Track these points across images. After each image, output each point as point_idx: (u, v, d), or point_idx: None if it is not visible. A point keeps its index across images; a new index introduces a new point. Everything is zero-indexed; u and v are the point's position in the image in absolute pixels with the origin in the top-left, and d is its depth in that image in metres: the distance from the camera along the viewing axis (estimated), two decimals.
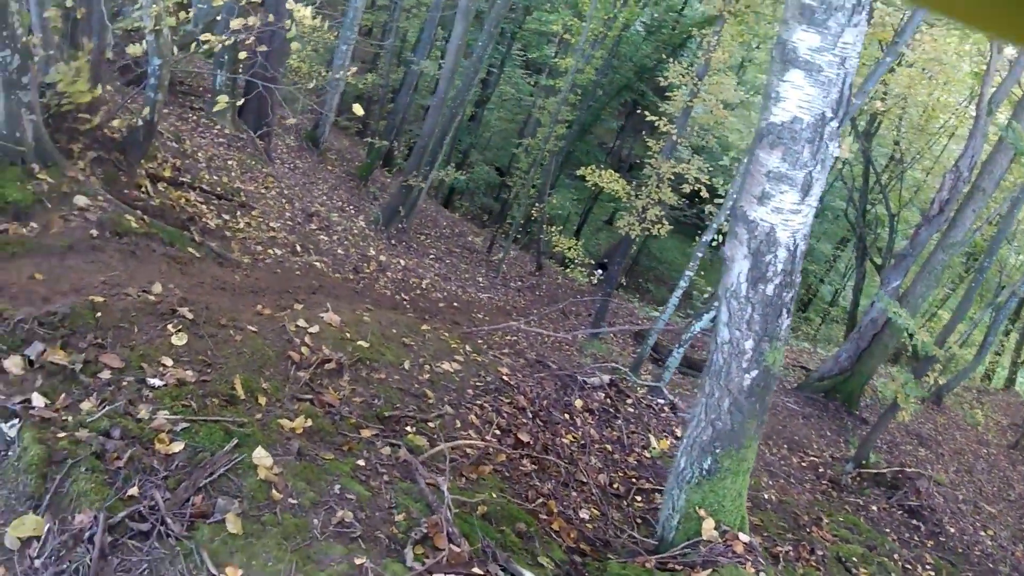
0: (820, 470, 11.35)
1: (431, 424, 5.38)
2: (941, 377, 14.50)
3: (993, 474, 15.50)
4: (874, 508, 10.05)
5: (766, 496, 8.20)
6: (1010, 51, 13.70)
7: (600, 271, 21.57)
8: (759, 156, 3.83)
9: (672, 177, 14.31)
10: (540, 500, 5.17)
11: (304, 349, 5.43)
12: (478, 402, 6.18)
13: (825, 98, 3.61)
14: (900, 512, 10.23)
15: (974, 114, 14.12)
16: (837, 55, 3.56)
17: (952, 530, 10.12)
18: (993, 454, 16.97)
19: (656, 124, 14.63)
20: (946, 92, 20.68)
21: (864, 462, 11.36)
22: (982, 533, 10.63)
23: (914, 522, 10.00)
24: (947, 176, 14.43)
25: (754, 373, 4.30)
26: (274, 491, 3.71)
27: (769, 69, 3.76)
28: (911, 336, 10.62)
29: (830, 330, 30.82)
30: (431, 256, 17.12)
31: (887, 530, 9.33)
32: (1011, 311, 21.82)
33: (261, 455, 3.89)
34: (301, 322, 5.87)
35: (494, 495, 4.70)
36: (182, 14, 9.09)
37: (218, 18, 12.43)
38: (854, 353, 15.90)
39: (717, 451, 4.57)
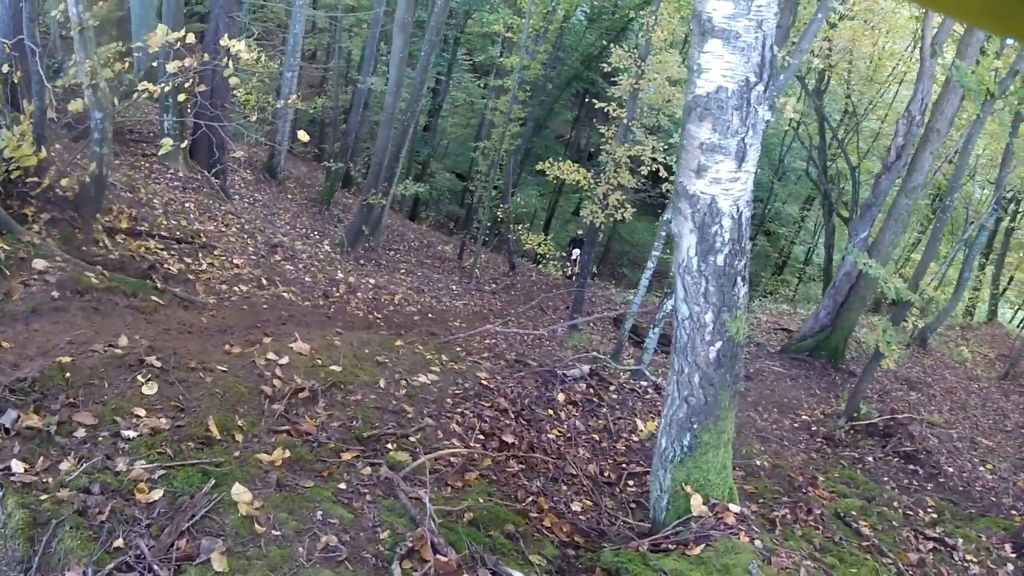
0: (813, 429, 11.41)
1: (412, 438, 5.38)
2: (920, 320, 14.63)
3: (987, 407, 15.64)
4: (870, 459, 10.10)
5: (759, 463, 8.24)
6: None
7: (576, 250, 21.43)
8: (690, 130, 3.84)
9: (629, 160, 14.37)
10: (530, 499, 5.17)
11: (276, 381, 5.42)
12: (459, 410, 6.17)
13: (747, 63, 3.64)
14: (896, 459, 10.27)
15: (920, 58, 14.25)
16: (753, 19, 3.58)
17: (950, 469, 10.18)
18: (984, 388, 17.13)
19: (606, 110, 14.68)
20: (890, 40, 20.91)
21: (855, 415, 11.43)
22: (981, 468, 10.69)
23: (911, 467, 10.05)
24: (900, 122, 14.56)
25: (718, 345, 4.32)
26: (256, 525, 3.71)
27: (690, 43, 3.79)
28: (885, 283, 10.69)
29: (808, 289, 31.06)
30: (402, 271, 17.09)
31: (885, 479, 9.38)
32: (983, 245, 22.06)
33: (239, 491, 3.88)
34: (271, 355, 5.85)
35: (481, 500, 4.70)
36: (118, 65, 9.06)
37: (154, 64, 12.40)
38: (833, 309, 16.01)
39: (695, 427, 4.58)
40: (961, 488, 9.61)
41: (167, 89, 8.23)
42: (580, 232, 22.78)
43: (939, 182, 18.05)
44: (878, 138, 24.16)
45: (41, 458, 3.92)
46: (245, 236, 12.80)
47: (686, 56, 24.08)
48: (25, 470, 3.81)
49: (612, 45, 17.56)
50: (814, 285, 30.69)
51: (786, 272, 33.01)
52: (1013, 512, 8.81)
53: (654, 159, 14.34)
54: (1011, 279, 27.44)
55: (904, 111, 14.60)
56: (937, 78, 14.26)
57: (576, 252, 22.34)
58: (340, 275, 13.37)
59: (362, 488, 4.41)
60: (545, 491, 5.43)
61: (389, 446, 5.16)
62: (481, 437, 5.88)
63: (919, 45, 14.45)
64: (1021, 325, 27.56)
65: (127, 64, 9.66)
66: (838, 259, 20.79)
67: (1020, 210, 24.09)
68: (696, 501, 4.61)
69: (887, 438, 10.88)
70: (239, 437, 4.66)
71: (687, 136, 3.89)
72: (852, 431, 11.10)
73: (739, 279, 4.19)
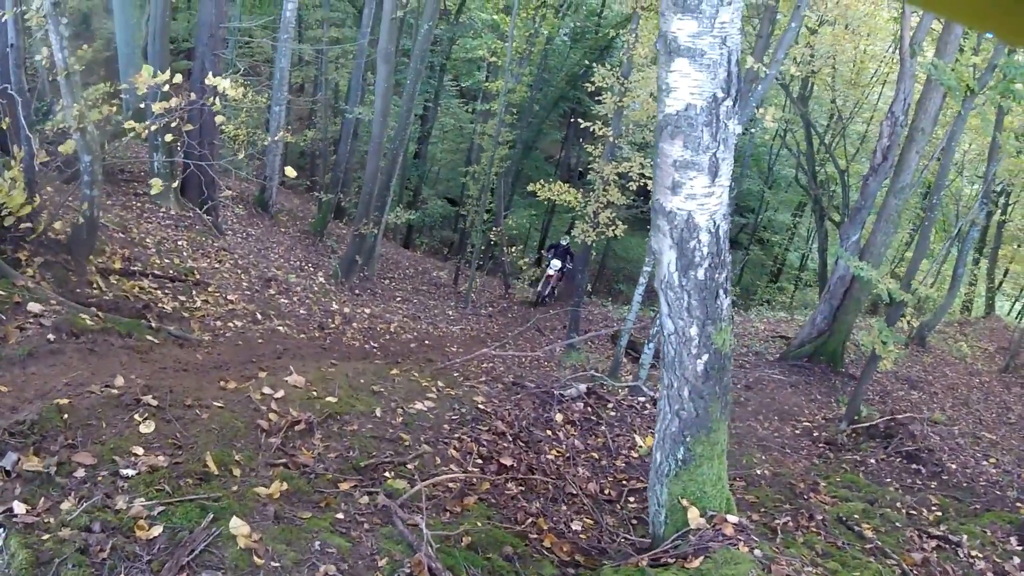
0: (814, 434, 11.41)
1: (410, 465, 5.41)
2: (915, 319, 14.66)
3: (990, 402, 15.64)
4: (872, 461, 10.08)
5: (760, 472, 8.24)
6: None
7: (557, 262, 19.92)
8: (663, 148, 3.91)
9: (618, 177, 14.44)
10: (529, 520, 5.19)
11: (272, 415, 5.45)
12: (456, 435, 6.21)
13: (713, 80, 3.70)
14: (899, 459, 10.25)
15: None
16: (717, 36, 3.65)
17: (953, 466, 10.13)
18: (986, 382, 17.12)
19: (592, 129, 14.77)
20: (871, 42, 21.07)
21: (856, 417, 11.43)
22: (985, 462, 10.64)
23: (914, 466, 10.02)
24: (884, 123, 14.68)
25: (705, 357, 4.37)
26: (255, 557, 3.75)
27: (658, 63, 3.86)
28: (877, 285, 10.73)
29: (804, 295, 31.07)
30: (397, 299, 17.14)
31: (888, 480, 9.37)
32: (976, 240, 22.09)
33: (237, 524, 3.93)
34: (266, 389, 5.89)
35: (479, 524, 4.73)
36: (106, 108, 9.15)
37: (142, 105, 12.50)
38: (829, 313, 16.05)
39: (687, 440, 4.62)
40: (965, 484, 9.57)
41: (155, 129, 8.30)
42: (565, 241, 20.89)
43: (928, 180, 18.12)
44: (865, 140, 24.28)
45: (42, 499, 3.96)
46: (239, 271, 12.86)
47: None
48: (27, 511, 3.84)
49: (596, 64, 17.69)
50: (811, 291, 30.70)
51: (782, 279, 33.05)
52: (1018, 505, 8.77)
53: (642, 175, 14.43)
54: (1006, 272, 27.48)
55: (888, 112, 14.70)
56: (919, 77, 14.35)
57: (556, 265, 20.19)
58: (335, 306, 13.42)
59: (359, 517, 4.45)
60: (545, 512, 5.46)
61: (387, 474, 5.20)
62: (479, 461, 5.92)
63: (899, 46, 14.56)
64: (1019, 317, 27.60)
65: (115, 107, 9.75)
66: (832, 263, 20.85)
67: (1011, 203, 24.16)
68: (693, 514, 4.64)
69: (888, 439, 10.86)
70: (236, 471, 4.69)
71: (660, 154, 3.96)
72: (853, 434, 11.08)
73: (721, 291, 4.24)
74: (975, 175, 23.19)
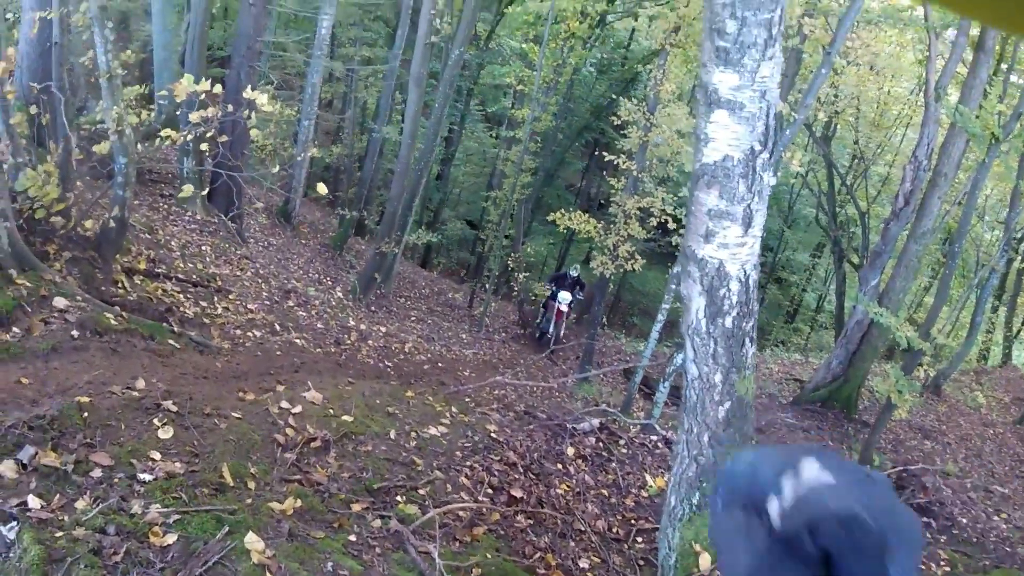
0: None
1: (421, 491, 5.43)
2: (932, 368, 14.54)
3: (1003, 454, 15.42)
4: None
5: None
6: (950, 33, 13.94)
7: (565, 294, 18.04)
8: (698, 196, 3.96)
9: (639, 211, 14.45)
10: (537, 555, 5.20)
11: (289, 430, 5.49)
12: (468, 463, 6.22)
13: (752, 133, 3.76)
14: None
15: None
16: (757, 90, 3.70)
17: (964, 520, 10.01)
18: (1000, 433, 16.88)
19: (616, 162, 14.81)
20: (895, 84, 21.08)
21: (869, 466, 11.32)
22: (996, 518, 10.53)
23: (924, 519, 9.89)
24: (907, 168, 14.61)
25: (728, 404, 4.39)
26: (268, 574, 3.76)
27: (696, 112, 3.90)
28: (896, 332, 10.66)
29: (820, 337, 30.89)
30: (412, 318, 17.17)
31: None
32: (994, 288, 21.88)
33: (252, 540, 3.94)
34: (284, 403, 5.93)
35: (489, 555, 4.74)
36: (144, 113, 9.28)
37: (177, 113, 12.66)
38: (845, 358, 15.92)
39: (704, 486, 4.62)
40: (975, 539, 9.46)
41: (190, 138, 8.41)
42: (575, 272, 18.78)
43: (949, 225, 18.00)
44: (887, 182, 24.20)
45: (57, 495, 3.97)
46: (259, 280, 12.94)
47: (695, 109, 24.33)
48: (41, 506, 3.85)
49: (621, 97, 17.71)
50: (826, 333, 30.50)
51: (798, 320, 32.90)
52: None
53: (664, 211, 14.45)
54: None
55: (911, 156, 14.66)
56: (942, 122, 14.31)
57: (566, 299, 17.89)
58: (352, 322, 13.46)
59: (372, 540, 4.46)
60: (553, 547, 5.46)
61: (399, 498, 5.22)
62: (490, 491, 5.92)
63: (924, 89, 14.55)
64: None
65: (151, 113, 9.88)
66: (849, 307, 20.71)
67: None
68: (705, 560, 4.63)
69: (900, 490, 10.75)
70: (252, 484, 4.71)
71: (695, 202, 4.01)
72: None
73: (747, 340, 4.26)
74: (996, 220, 23.02)
